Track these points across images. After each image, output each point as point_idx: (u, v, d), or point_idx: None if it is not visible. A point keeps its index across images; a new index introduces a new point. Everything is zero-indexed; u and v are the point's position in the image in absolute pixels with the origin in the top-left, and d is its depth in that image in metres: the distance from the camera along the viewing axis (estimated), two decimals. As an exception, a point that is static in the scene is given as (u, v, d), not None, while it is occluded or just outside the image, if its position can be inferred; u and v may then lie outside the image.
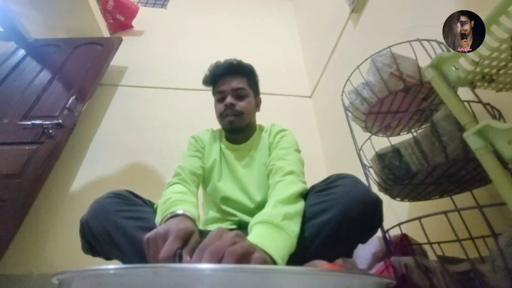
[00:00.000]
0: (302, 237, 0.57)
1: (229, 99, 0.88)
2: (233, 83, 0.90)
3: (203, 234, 0.67)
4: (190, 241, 0.52)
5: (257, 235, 0.51)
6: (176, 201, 0.64)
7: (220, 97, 0.92)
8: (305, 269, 0.31)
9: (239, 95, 0.90)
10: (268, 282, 0.26)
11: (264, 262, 0.43)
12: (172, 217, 0.59)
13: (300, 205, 0.62)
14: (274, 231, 0.53)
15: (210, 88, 0.97)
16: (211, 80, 0.94)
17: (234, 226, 0.82)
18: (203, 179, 0.92)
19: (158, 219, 0.62)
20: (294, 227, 0.56)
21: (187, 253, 0.49)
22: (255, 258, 0.41)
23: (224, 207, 0.84)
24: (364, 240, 0.64)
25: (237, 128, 0.90)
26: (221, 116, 0.91)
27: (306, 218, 0.61)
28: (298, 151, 0.86)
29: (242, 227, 0.80)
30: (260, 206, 0.82)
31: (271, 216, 0.55)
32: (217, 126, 1.04)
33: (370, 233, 0.64)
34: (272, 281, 0.26)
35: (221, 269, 0.28)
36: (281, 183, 0.68)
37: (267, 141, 0.92)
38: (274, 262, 0.46)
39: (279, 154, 0.81)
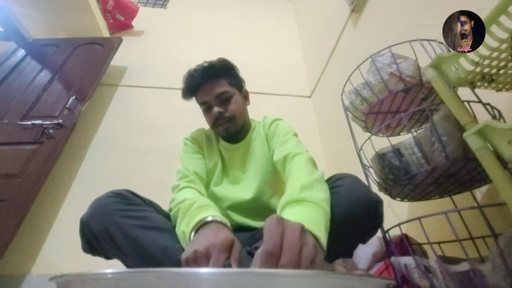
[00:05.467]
0: None
1: (216, 109, 0.84)
2: (214, 90, 0.85)
3: None
4: (233, 250, 0.49)
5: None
6: (202, 207, 0.60)
7: (205, 108, 0.88)
8: (306, 272, 0.31)
9: (224, 99, 0.86)
10: (270, 285, 0.26)
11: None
12: (203, 225, 0.55)
13: (317, 173, 0.61)
14: (295, 206, 0.50)
15: (192, 99, 0.91)
16: (190, 92, 0.89)
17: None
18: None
19: (183, 228, 0.58)
20: (317, 193, 0.53)
21: (235, 263, 0.47)
22: (318, 262, 0.39)
23: (227, 212, 0.83)
24: (364, 240, 0.64)
25: (233, 133, 0.88)
26: (213, 126, 0.88)
27: None
28: (296, 135, 0.85)
29: (242, 229, 0.80)
30: (265, 204, 0.82)
31: (288, 196, 0.53)
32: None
33: (371, 233, 0.64)
34: (273, 283, 0.26)
35: (221, 273, 0.28)
36: (292, 168, 0.67)
37: (263, 132, 0.91)
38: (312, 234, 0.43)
39: (278, 142, 0.81)
